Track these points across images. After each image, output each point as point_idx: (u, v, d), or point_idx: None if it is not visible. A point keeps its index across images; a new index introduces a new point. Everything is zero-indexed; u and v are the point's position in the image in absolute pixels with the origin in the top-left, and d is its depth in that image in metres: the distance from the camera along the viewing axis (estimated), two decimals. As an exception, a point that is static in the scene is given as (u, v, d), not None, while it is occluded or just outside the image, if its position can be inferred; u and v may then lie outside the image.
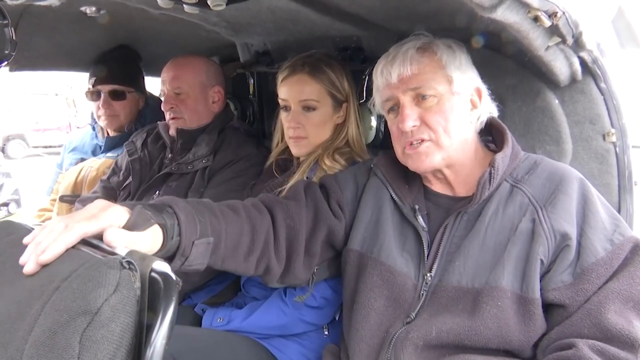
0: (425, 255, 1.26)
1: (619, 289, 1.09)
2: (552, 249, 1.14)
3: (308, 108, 1.70)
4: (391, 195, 1.36)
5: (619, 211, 1.49)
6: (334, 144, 1.71)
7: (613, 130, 1.46)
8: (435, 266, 1.23)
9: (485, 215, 1.22)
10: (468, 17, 1.13)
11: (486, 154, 1.34)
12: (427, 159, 1.26)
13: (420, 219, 1.29)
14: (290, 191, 1.46)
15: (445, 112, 1.24)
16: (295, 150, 1.76)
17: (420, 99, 1.25)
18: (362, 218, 1.37)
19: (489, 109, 1.33)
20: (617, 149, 1.47)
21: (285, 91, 1.72)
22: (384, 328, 1.24)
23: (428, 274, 1.24)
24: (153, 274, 0.76)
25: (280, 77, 1.75)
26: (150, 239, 0.98)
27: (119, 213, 0.96)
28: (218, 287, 1.93)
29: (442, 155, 1.26)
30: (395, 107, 1.31)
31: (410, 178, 1.37)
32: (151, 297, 0.74)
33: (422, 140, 1.26)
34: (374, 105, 1.42)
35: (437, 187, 1.35)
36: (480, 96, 1.30)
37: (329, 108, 1.71)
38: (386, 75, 1.29)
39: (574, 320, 1.10)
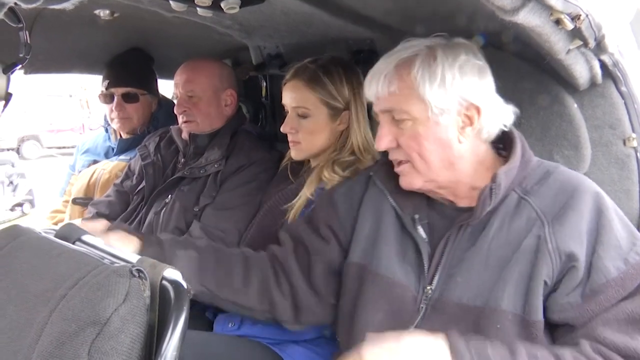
0: (425, 267, 1.19)
1: (631, 310, 1.02)
2: (557, 270, 1.07)
3: (301, 115, 1.71)
4: (391, 205, 1.29)
5: (639, 218, 1.45)
6: (335, 155, 1.70)
7: (634, 135, 1.42)
8: (435, 279, 1.17)
9: (490, 228, 1.14)
10: (487, 19, 1.10)
11: (496, 161, 1.23)
12: (408, 179, 1.22)
13: (420, 229, 1.22)
14: (281, 237, 1.47)
15: (419, 137, 1.16)
16: (292, 154, 1.79)
17: (396, 120, 1.19)
18: (361, 230, 1.31)
19: (497, 124, 1.20)
20: (638, 154, 1.43)
21: (284, 95, 1.76)
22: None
23: (428, 287, 1.17)
24: (164, 282, 0.75)
25: (283, 81, 1.77)
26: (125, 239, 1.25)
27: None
28: (229, 290, 1.92)
29: (422, 179, 1.20)
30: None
31: None
32: (162, 306, 0.73)
33: (401, 162, 1.22)
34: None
35: (439, 197, 1.28)
36: (478, 112, 1.16)
37: (324, 116, 1.71)
38: (367, 89, 1.24)
39: (576, 335, 1.05)
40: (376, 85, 1.19)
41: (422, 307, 1.18)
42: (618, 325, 1.02)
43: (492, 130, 1.21)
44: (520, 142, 1.22)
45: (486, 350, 0.99)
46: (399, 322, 1.19)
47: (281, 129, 1.76)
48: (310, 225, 1.42)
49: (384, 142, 1.21)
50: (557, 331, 1.11)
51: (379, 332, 1.16)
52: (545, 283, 1.07)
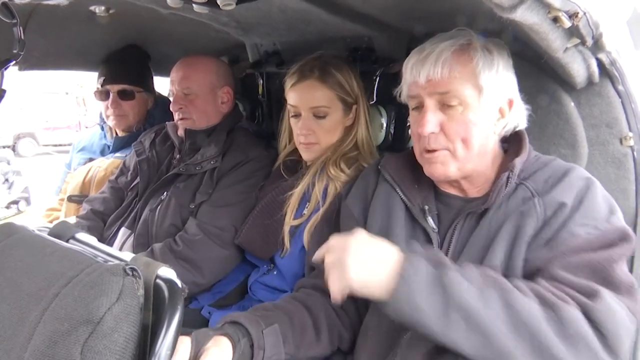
0: None
1: (591, 259, 1.03)
2: (540, 223, 1.11)
3: (319, 114, 1.67)
4: (401, 197, 1.31)
5: (636, 217, 1.45)
6: (341, 148, 1.69)
7: (630, 134, 1.42)
8: None
9: (490, 210, 1.19)
10: (486, 18, 1.09)
11: (500, 155, 1.29)
12: (442, 167, 1.23)
13: (430, 220, 1.26)
14: (314, 267, 1.44)
15: (468, 123, 1.19)
16: (306, 156, 1.75)
17: (445, 105, 1.20)
18: (372, 225, 1.33)
19: (517, 120, 1.26)
20: (635, 153, 1.43)
21: (294, 97, 1.70)
22: (396, 334, 1.20)
23: None
24: (158, 280, 0.74)
25: (289, 83, 1.72)
26: (219, 349, 1.06)
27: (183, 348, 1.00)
28: (225, 288, 1.91)
29: (457, 165, 1.22)
30: (419, 107, 1.25)
31: (420, 177, 1.32)
32: (156, 304, 0.72)
33: (435, 150, 1.22)
34: (400, 95, 1.32)
35: (449, 189, 1.31)
36: (511, 106, 1.24)
37: (340, 112, 1.70)
38: (415, 73, 1.22)
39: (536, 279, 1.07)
40: (430, 69, 1.18)
41: None
42: (576, 269, 1.03)
43: (514, 125, 1.27)
44: (526, 137, 1.28)
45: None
46: None
47: (299, 133, 1.71)
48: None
49: (429, 126, 1.20)
50: None
51: (393, 324, 1.18)
52: (529, 244, 1.11)
